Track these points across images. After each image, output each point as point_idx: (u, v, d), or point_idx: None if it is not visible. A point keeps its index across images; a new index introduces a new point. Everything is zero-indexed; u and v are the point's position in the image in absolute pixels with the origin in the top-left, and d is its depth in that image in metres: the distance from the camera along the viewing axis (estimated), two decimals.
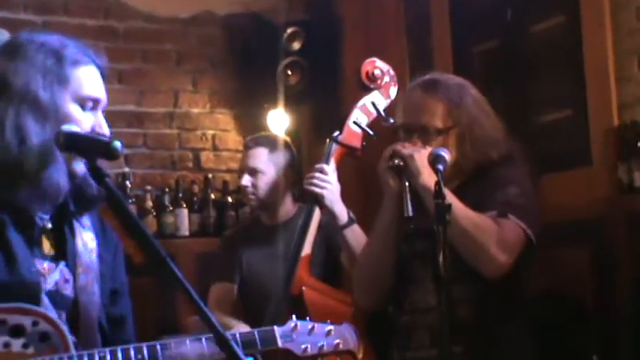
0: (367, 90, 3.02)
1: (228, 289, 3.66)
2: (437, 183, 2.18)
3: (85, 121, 1.88)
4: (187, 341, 1.85)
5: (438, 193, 2.14)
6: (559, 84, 3.69)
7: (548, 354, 2.82)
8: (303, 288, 3.14)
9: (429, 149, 2.48)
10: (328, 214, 3.08)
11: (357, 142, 3.01)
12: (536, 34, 3.81)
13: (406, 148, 2.55)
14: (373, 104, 3.00)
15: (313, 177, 3.01)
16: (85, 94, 1.88)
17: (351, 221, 3.08)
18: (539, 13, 3.77)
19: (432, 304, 2.54)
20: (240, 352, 1.60)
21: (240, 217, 4.75)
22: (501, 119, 2.71)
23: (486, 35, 4.03)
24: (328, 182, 3.01)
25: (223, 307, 3.59)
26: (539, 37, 3.79)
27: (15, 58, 1.86)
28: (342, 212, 3.06)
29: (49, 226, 1.91)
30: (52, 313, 1.83)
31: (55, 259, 1.90)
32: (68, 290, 1.89)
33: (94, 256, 1.96)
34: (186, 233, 4.69)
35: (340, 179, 3.05)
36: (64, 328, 1.80)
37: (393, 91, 3.03)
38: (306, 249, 3.12)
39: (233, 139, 5.06)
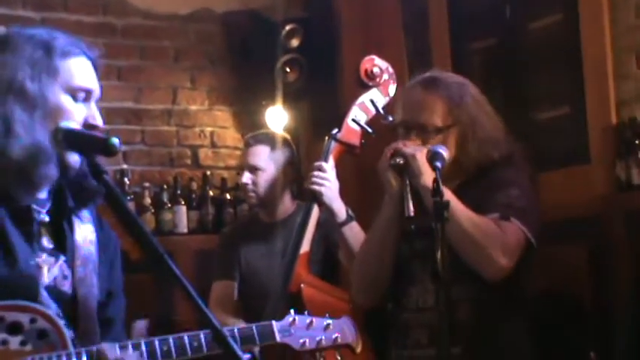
0: (366, 87, 3.02)
1: (229, 286, 3.66)
2: (435, 180, 2.18)
3: (77, 112, 1.87)
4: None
5: (436, 191, 2.14)
6: (557, 81, 3.69)
7: (545, 351, 2.82)
8: (302, 285, 3.14)
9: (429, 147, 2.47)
10: (327, 211, 3.08)
11: (355, 140, 3.01)
12: (535, 31, 3.81)
13: (407, 147, 2.53)
14: (372, 102, 3.00)
15: (312, 174, 3.01)
16: (75, 85, 1.88)
17: (349, 218, 3.08)
18: (537, 10, 3.77)
19: (431, 304, 2.53)
20: (237, 349, 1.60)
21: (238, 215, 4.75)
22: (499, 116, 2.70)
23: (485, 32, 4.03)
24: (327, 180, 3.01)
25: (225, 305, 3.60)
26: (538, 34, 3.79)
27: (3, 51, 1.87)
28: (340, 210, 3.06)
29: (47, 219, 1.91)
30: (52, 308, 1.84)
31: (54, 253, 1.91)
32: (66, 286, 1.90)
33: (92, 248, 1.96)
34: (185, 230, 4.68)
35: (339, 177, 3.05)
36: (62, 325, 1.81)
37: (392, 88, 3.02)
38: (305, 246, 3.12)
39: (231, 136, 5.05)
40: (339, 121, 3.03)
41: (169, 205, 4.68)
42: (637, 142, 3.20)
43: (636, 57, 3.31)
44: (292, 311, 2.05)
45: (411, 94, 2.68)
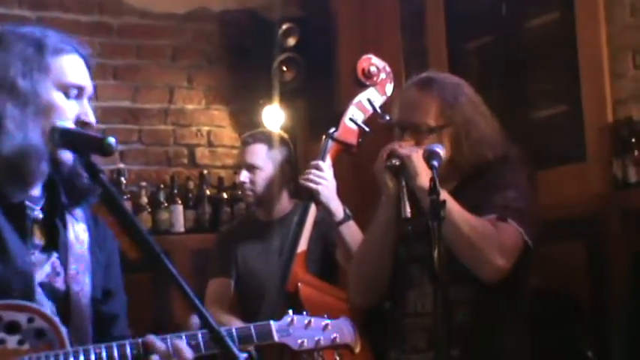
0: (363, 87, 3.01)
1: (225, 284, 3.66)
2: (431, 179, 2.17)
3: (70, 109, 1.87)
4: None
5: (433, 190, 2.14)
6: (554, 80, 3.70)
7: (543, 350, 2.82)
8: (299, 284, 3.14)
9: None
10: (324, 210, 3.08)
11: (352, 139, 3.01)
12: (531, 30, 3.81)
13: (403, 148, 2.52)
14: (369, 101, 3.00)
15: (309, 173, 3.01)
16: (67, 82, 1.88)
17: (347, 217, 3.08)
18: (533, 9, 3.78)
19: (429, 308, 2.51)
20: (234, 348, 1.60)
21: (235, 213, 4.75)
22: (496, 115, 2.68)
23: (481, 31, 4.04)
24: (324, 178, 3.01)
25: (221, 302, 3.60)
26: (534, 33, 3.80)
27: None
28: (337, 209, 3.06)
29: (40, 216, 1.91)
30: (47, 305, 1.84)
31: (47, 250, 1.91)
32: (59, 283, 1.90)
33: (85, 247, 1.96)
34: (182, 229, 4.68)
35: (336, 176, 3.05)
36: (60, 324, 1.81)
37: (389, 88, 3.02)
38: (302, 245, 3.12)
39: (228, 135, 5.05)
40: (336, 120, 3.02)
41: (166, 204, 4.67)
42: (633, 140, 3.20)
43: (632, 55, 3.32)
44: (290, 311, 2.04)
45: (407, 95, 2.68)
